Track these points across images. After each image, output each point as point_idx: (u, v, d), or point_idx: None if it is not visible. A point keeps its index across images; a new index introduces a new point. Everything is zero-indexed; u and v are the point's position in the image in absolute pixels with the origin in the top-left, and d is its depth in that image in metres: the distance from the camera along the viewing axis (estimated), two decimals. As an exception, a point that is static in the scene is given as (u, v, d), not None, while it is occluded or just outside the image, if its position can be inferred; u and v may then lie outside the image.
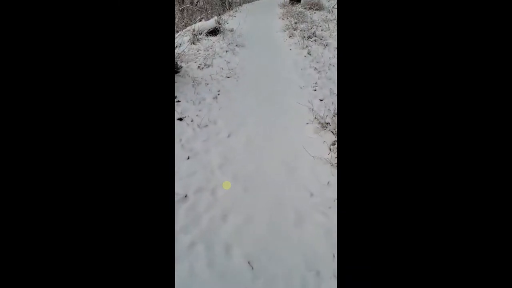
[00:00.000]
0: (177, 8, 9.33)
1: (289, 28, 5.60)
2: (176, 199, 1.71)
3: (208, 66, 3.82)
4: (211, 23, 5.46)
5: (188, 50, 4.37)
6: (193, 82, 3.28)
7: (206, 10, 10.70)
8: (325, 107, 2.72)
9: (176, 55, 3.50)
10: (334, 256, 1.38)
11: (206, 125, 2.48)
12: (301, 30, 5.34)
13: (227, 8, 10.36)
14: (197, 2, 11.34)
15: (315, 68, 3.72)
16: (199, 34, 5.15)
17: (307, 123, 2.48)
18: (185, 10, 10.06)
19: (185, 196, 1.74)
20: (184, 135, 2.35)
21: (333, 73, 3.52)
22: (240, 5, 10.58)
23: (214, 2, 11.69)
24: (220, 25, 5.52)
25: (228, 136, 2.34)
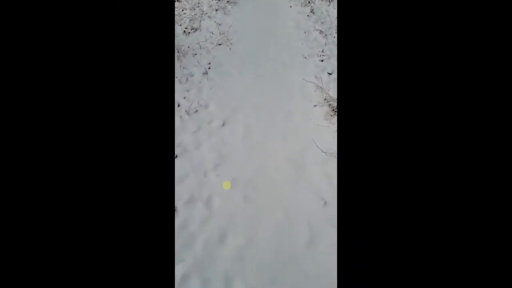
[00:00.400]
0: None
1: (288, -21, 4.81)
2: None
3: (196, 29, 3.26)
4: (196, -27, 4.63)
5: (171, 9, 3.72)
6: (178, 52, 2.78)
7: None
8: (336, 83, 2.32)
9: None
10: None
11: (196, 111, 2.09)
12: (302, -19, 4.58)
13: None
14: None
15: (321, 31, 3.19)
16: (184, -13, 4.39)
17: (315, 105, 2.11)
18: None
19: (175, 210, 1.45)
20: (170, 124, 1.98)
21: (342, 38, 3.03)
22: None
23: None
24: (207, -24, 4.70)
25: (223, 124, 1.97)
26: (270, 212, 1.43)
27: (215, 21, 3.48)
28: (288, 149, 1.76)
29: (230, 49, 2.91)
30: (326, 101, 2.13)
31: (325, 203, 1.47)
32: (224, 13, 3.77)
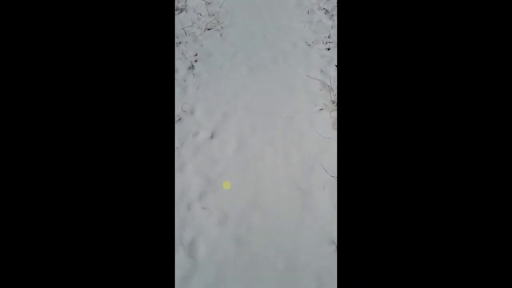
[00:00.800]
0: None
1: None
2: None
3: (181, 11, 2.80)
4: None
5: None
6: (160, 40, 2.36)
7: None
8: (345, 79, 1.96)
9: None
10: None
11: (179, 119, 1.75)
12: None
13: None
14: None
15: (326, 10, 2.74)
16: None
17: (321, 109, 1.77)
18: None
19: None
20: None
21: (351, 19, 2.60)
22: None
23: None
24: None
25: (211, 136, 1.65)
26: (269, 261, 1.16)
27: (203, -1, 3.00)
28: (290, 170, 1.46)
29: (221, 34, 2.49)
30: (333, 103, 1.79)
31: (337, 247, 1.19)
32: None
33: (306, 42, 2.35)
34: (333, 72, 2.03)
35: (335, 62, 2.13)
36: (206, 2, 2.94)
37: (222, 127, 1.69)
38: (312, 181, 1.41)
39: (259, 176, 1.44)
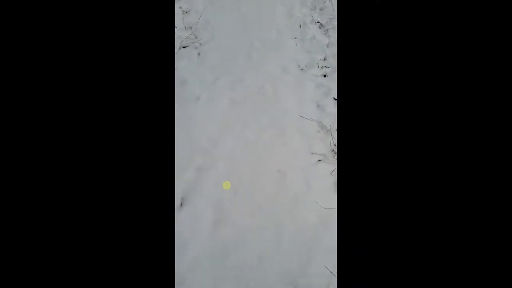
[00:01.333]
0: None
1: None
2: None
3: (152, 22, 2.38)
4: None
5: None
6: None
7: None
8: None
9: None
10: None
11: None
12: None
13: None
14: None
15: (321, 24, 2.39)
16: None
17: (319, 160, 1.45)
18: None
19: None
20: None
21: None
22: None
23: None
24: None
25: (181, 204, 1.29)
26: None
27: (180, 6, 2.58)
28: (284, 264, 1.13)
29: (198, 54, 2.11)
30: (334, 153, 1.46)
31: None
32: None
33: (299, 66, 2.01)
34: (331, 107, 1.70)
35: (333, 94, 1.80)
36: (183, 11, 2.53)
37: (194, 190, 1.34)
38: (311, 279, 1.09)
39: (240, 271, 1.11)
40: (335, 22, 2.41)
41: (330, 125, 1.57)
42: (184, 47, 2.16)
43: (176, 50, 2.11)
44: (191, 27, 2.34)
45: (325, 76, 1.93)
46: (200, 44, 2.20)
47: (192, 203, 1.29)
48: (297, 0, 2.69)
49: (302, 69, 1.98)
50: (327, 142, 1.52)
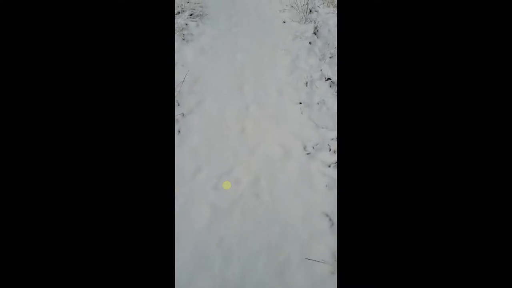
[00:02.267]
0: None
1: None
2: None
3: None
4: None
5: None
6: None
7: None
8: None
9: None
10: None
11: None
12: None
13: None
14: None
15: (332, 81, 1.96)
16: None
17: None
18: None
19: None
20: None
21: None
22: None
23: None
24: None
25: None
26: None
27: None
28: None
29: (179, 131, 1.70)
30: None
31: None
32: (197, 25, 2.50)
33: (304, 148, 1.56)
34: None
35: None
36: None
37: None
38: None
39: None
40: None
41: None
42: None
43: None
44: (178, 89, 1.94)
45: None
46: (178, 132, 1.79)
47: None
48: (303, 45, 2.27)
49: (308, 153, 1.54)
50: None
